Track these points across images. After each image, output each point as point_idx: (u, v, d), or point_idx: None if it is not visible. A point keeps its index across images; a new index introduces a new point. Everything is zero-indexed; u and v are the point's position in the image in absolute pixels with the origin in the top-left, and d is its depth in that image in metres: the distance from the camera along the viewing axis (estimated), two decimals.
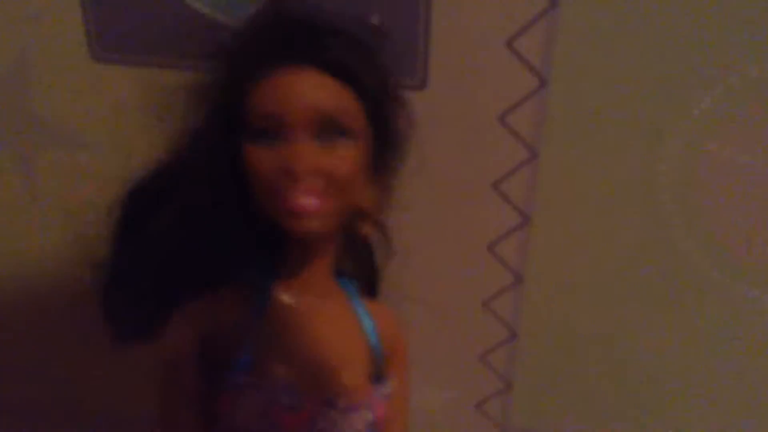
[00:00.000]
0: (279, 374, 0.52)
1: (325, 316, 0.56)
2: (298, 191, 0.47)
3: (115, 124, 0.71)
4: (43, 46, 0.70)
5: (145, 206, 0.55)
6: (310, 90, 0.47)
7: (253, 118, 0.48)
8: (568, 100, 0.61)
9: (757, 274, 0.65)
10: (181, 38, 0.64)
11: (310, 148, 0.47)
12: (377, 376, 0.58)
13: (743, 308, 0.67)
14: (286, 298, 0.55)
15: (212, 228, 0.51)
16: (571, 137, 0.63)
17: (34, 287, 0.83)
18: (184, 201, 0.52)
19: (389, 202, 0.57)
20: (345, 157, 0.48)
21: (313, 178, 0.47)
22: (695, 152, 0.61)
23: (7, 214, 0.80)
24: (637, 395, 0.74)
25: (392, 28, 0.59)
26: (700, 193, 0.63)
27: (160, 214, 0.54)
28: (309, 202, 0.47)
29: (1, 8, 0.69)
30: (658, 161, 0.62)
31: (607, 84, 0.60)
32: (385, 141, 0.53)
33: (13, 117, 0.74)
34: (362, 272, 0.62)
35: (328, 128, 0.47)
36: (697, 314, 0.69)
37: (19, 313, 0.85)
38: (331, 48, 0.48)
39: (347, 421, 0.54)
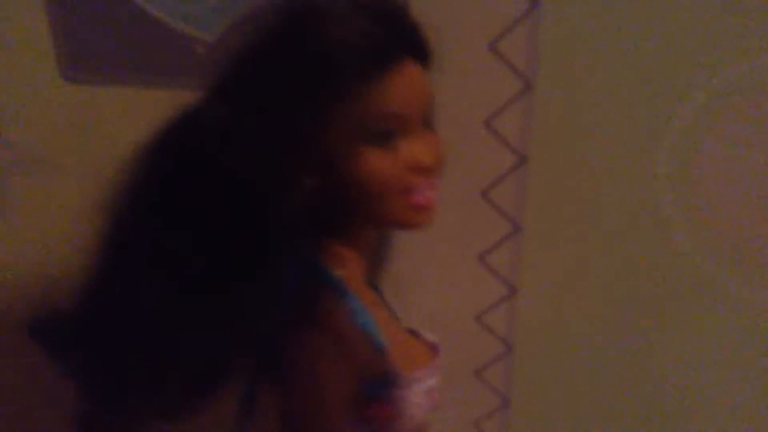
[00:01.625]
0: (418, 360, 0.50)
1: (382, 300, 0.54)
2: (429, 186, 0.45)
3: (86, 145, 0.68)
4: (13, 68, 0.67)
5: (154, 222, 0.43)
6: (425, 84, 0.45)
7: (375, 119, 0.43)
8: (555, 103, 0.59)
9: (757, 274, 0.63)
10: (155, 55, 0.62)
11: (430, 141, 0.45)
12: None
13: (744, 310, 0.64)
14: (361, 290, 0.49)
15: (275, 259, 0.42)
16: (561, 140, 0.61)
17: (7, 311, 0.80)
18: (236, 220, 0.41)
19: None
20: (442, 142, 0.47)
21: (439, 168, 0.46)
22: (691, 150, 0.59)
23: None
24: (638, 406, 0.71)
25: None
26: (698, 190, 0.61)
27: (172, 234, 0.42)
28: (434, 195, 0.46)
29: None
30: (653, 161, 0.60)
31: (591, 91, 0.59)
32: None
33: None
34: None
35: (427, 119, 0.46)
36: (698, 319, 0.67)
37: None
38: (424, 38, 0.45)
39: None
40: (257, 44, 0.43)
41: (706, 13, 0.55)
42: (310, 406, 0.43)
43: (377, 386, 0.46)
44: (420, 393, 0.47)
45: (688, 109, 0.58)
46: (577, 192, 0.63)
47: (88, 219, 0.50)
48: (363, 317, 0.45)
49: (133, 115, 0.58)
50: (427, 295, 0.69)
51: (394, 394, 0.46)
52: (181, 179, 0.42)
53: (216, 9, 0.59)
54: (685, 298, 0.66)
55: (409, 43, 0.43)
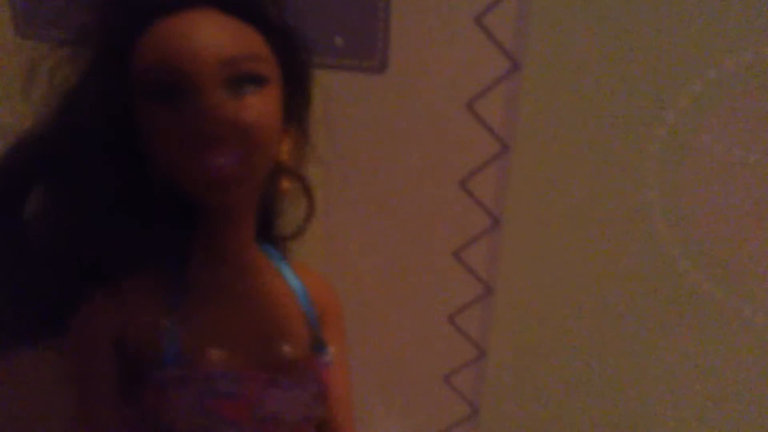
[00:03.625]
0: (212, 360, 0.46)
1: (253, 287, 0.50)
2: (213, 155, 0.40)
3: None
4: None
5: (16, 184, 0.47)
6: (212, 33, 0.40)
7: (144, 71, 0.41)
8: (541, 88, 0.55)
9: (750, 287, 0.59)
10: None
11: (220, 102, 0.40)
12: (315, 343, 0.52)
13: (738, 325, 0.60)
14: (205, 275, 0.48)
15: (103, 202, 0.44)
16: (546, 130, 0.57)
17: None
18: (66, 173, 0.44)
19: (305, 152, 0.51)
20: (260, 108, 0.42)
21: (229, 137, 0.40)
22: (682, 147, 0.55)
23: None
24: (618, 420, 0.67)
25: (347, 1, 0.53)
26: (689, 193, 0.57)
27: (40, 192, 0.47)
28: (228, 166, 0.40)
29: None
30: (643, 160, 0.56)
31: (583, 75, 0.54)
32: (295, 84, 0.47)
33: None
34: (269, 233, 0.56)
35: (237, 77, 0.41)
36: (686, 329, 0.63)
37: None
38: None
39: (293, 397, 0.48)
40: None
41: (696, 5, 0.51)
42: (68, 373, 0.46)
43: (155, 368, 0.45)
44: (195, 393, 0.44)
45: (683, 101, 0.54)
46: (563, 186, 0.59)
47: None
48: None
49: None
50: (396, 291, 0.65)
51: (162, 382, 0.44)
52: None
53: None
54: (671, 302, 0.62)
55: None
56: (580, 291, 0.63)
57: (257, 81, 0.42)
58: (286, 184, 0.50)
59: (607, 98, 0.55)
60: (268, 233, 0.55)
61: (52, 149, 0.45)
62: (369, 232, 0.62)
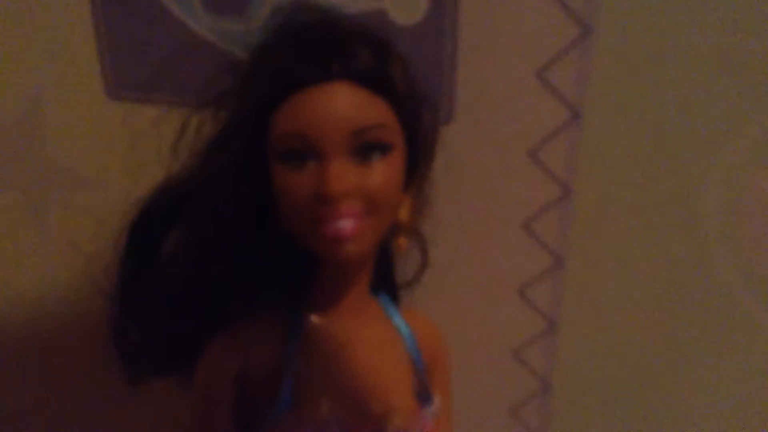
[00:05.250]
0: (324, 408, 0.49)
1: (366, 337, 0.52)
2: (335, 217, 0.43)
3: (128, 162, 0.69)
4: (58, 86, 0.68)
5: (155, 229, 0.53)
6: (342, 105, 0.44)
7: (281, 137, 0.45)
8: (601, 132, 0.58)
9: None
10: (198, 74, 0.62)
11: (346, 169, 0.43)
12: (422, 393, 0.54)
13: None
14: (322, 323, 0.51)
15: (233, 250, 0.48)
16: (606, 172, 0.59)
17: (43, 329, 0.80)
18: (200, 221, 0.49)
19: (423, 211, 0.54)
20: (384, 174, 0.45)
21: (352, 200, 0.44)
22: (741, 183, 0.57)
23: (15, 256, 0.77)
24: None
25: (414, 57, 0.57)
26: (745, 227, 0.58)
27: (173, 237, 0.52)
28: (348, 227, 0.44)
29: (16, 48, 0.68)
30: (701, 194, 0.58)
31: (643, 113, 0.57)
32: (418, 147, 0.50)
33: (26, 158, 0.72)
34: (387, 283, 0.59)
35: (365, 145, 0.44)
36: (742, 358, 0.64)
37: (27, 358, 0.82)
38: (358, 55, 0.45)
39: None
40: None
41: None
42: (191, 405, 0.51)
43: (270, 411, 0.49)
44: None
45: (744, 140, 0.56)
46: (623, 222, 0.61)
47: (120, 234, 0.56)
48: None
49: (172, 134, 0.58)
50: (462, 327, 0.67)
51: (277, 423, 0.48)
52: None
53: (261, 30, 0.59)
54: (724, 333, 0.63)
55: (328, 63, 0.44)
56: (643, 322, 0.65)
57: (383, 148, 0.45)
58: (402, 241, 0.53)
59: (660, 137, 0.57)
60: (382, 282, 0.58)
61: (191, 197, 0.49)
62: (438, 199, 0.63)
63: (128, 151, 0.68)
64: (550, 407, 0.69)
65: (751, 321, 0.63)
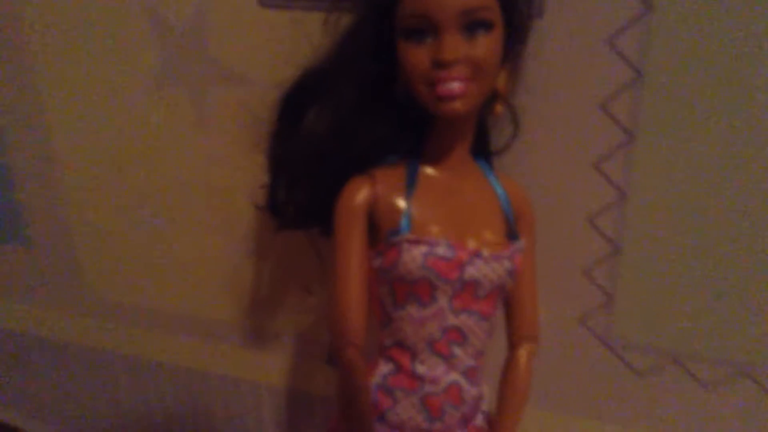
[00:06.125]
0: (434, 233, 0.63)
1: (466, 188, 0.67)
2: (448, 79, 0.57)
3: (275, 62, 0.80)
4: None
5: (304, 99, 0.68)
6: None
7: (406, 18, 0.58)
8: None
9: None
10: None
11: (458, 41, 0.56)
12: (511, 234, 0.68)
13: None
14: (432, 173, 0.66)
15: (365, 112, 0.63)
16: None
17: (206, 213, 0.97)
18: (338, 94, 0.64)
19: (516, 84, 0.66)
20: (486, 46, 0.58)
21: (461, 66, 0.57)
22: None
23: (178, 143, 0.94)
24: (740, 311, 0.76)
25: None
26: None
27: (315, 108, 0.67)
28: (458, 87, 0.57)
29: None
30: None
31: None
32: (514, 29, 0.62)
33: (191, 58, 0.88)
34: (483, 150, 0.73)
35: (472, 22, 0.57)
36: None
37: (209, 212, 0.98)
38: None
39: (491, 269, 0.63)
40: None
41: None
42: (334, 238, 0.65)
43: (393, 233, 0.62)
44: (420, 253, 0.61)
45: None
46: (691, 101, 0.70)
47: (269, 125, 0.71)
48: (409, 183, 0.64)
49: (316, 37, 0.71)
50: (539, 196, 0.76)
51: (398, 244, 0.62)
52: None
53: None
54: None
55: None
56: (706, 198, 0.73)
57: (486, 26, 0.57)
58: (499, 108, 0.66)
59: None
60: (481, 148, 0.72)
61: (332, 72, 0.65)
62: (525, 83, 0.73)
63: (275, 50, 0.83)
64: (619, 266, 0.80)
65: None
